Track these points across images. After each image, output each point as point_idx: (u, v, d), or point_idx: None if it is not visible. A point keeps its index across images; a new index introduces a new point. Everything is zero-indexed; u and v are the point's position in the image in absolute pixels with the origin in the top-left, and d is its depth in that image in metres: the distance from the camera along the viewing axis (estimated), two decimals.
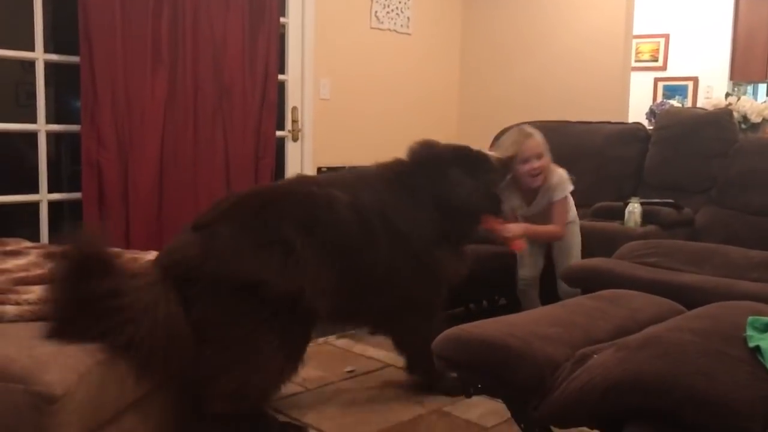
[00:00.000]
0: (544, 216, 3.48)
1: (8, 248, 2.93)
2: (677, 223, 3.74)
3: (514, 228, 3.27)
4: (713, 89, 7.00)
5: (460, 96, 5.81)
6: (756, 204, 3.80)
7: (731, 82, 7.25)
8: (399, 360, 3.04)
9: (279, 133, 4.51)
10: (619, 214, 3.66)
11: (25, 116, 3.62)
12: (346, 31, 4.95)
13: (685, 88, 7.35)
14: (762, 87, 7.71)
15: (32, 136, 3.59)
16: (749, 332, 1.64)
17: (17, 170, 3.87)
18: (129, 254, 2.92)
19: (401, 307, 2.77)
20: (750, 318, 1.71)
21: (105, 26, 3.53)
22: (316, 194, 2.58)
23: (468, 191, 2.90)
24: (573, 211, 3.55)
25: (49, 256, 2.83)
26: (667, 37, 7.47)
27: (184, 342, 2.19)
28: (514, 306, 3.63)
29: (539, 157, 3.39)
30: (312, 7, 4.68)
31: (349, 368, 3.20)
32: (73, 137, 3.68)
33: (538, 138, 3.43)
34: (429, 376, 2.88)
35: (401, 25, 5.30)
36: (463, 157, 3.03)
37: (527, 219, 3.46)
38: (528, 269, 3.56)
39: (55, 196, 3.68)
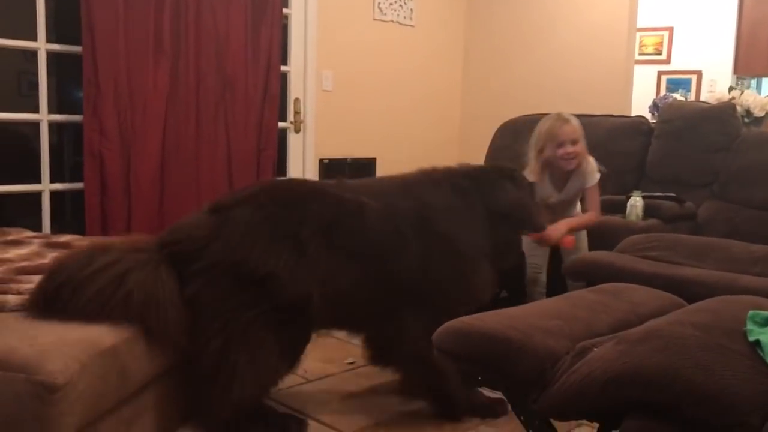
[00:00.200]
0: (571, 203, 3.55)
1: (10, 238, 2.94)
2: (679, 217, 3.74)
3: (559, 229, 3.30)
4: (717, 83, 6.98)
5: (463, 88, 5.80)
6: (758, 198, 3.80)
7: (735, 75, 7.22)
8: None
9: (281, 125, 4.51)
10: (621, 208, 3.66)
11: (28, 106, 3.62)
12: (348, 22, 4.94)
13: (689, 81, 7.33)
14: (766, 81, 7.68)
15: (34, 126, 3.59)
16: (749, 326, 1.64)
17: (19, 160, 3.87)
18: None
19: (420, 317, 2.56)
20: (750, 312, 1.71)
21: (107, 16, 3.53)
22: (346, 199, 2.54)
23: (518, 199, 2.90)
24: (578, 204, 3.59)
25: (50, 245, 2.84)
26: (670, 30, 7.45)
27: (174, 314, 2.19)
28: (516, 299, 3.64)
29: (574, 142, 3.42)
30: None
31: (349, 360, 3.20)
32: (76, 127, 3.69)
33: (574, 124, 3.46)
34: (450, 398, 2.67)
35: (404, 17, 5.29)
36: (506, 170, 3.01)
37: (556, 206, 3.48)
38: (539, 257, 3.56)
39: (57, 186, 3.69)
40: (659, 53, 7.51)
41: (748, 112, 5.05)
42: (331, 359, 3.16)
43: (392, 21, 5.21)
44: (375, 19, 5.10)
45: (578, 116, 4.53)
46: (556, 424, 1.77)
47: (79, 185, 3.62)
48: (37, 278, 2.29)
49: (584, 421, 2.29)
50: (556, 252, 3.54)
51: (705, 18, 7.25)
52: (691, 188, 4.01)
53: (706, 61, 7.26)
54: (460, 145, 5.75)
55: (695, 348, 1.50)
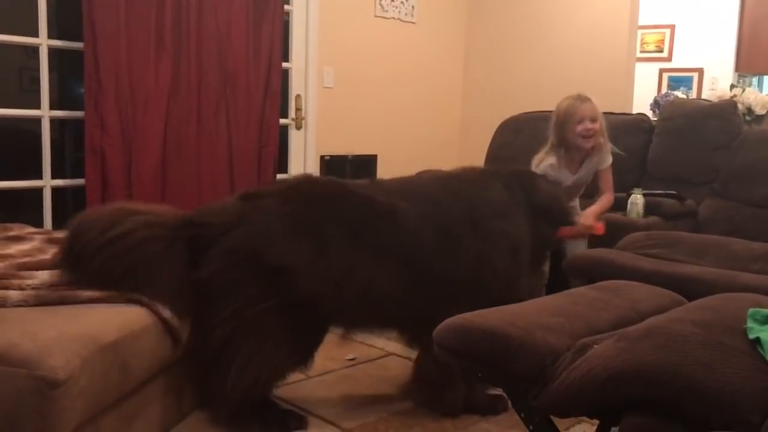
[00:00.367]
0: (584, 185, 3.58)
1: (12, 233, 2.95)
2: (680, 214, 3.74)
3: (589, 218, 3.36)
4: (718, 81, 6.97)
5: (464, 85, 5.80)
6: (759, 196, 3.79)
7: (736, 73, 7.22)
8: (400, 348, 3.04)
9: (282, 121, 4.51)
10: (622, 205, 3.66)
11: (29, 102, 3.62)
12: (350, 19, 4.94)
13: (690, 79, 7.32)
14: (767, 79, 7.67)
15: (36, 121, 3.59)
16: (749, 324, 1.64)
17: (21, 156, 3.88)
18: None
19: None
20: (750, 310, 1.71)
21: (109, 12, 3.53)
22: (378, 201, 2.54)
23: (556, 196, 2.99)
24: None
25: (52, 241, 2.85)
26: (672, 27, 7.44)
27: (176, 293, 2.24)
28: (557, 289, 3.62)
29: (593, 120, 3.45)
30: None
31: (350, 356, 3.21)
32: (77, 123, 3.69)
33: (594, 102, 3.50)
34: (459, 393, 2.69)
35: (406, 14, 5.28)
36: (538, 174, 3.13)
37: (570, 188, 3.50)
38: (581, 245, 3.52)
39: (59, 182, 3.69)
40: (661, 51, 7.50)
41: (749, 110, 5.04)
42: (332, 356, 3.16)
43: (394, 18, 5.21)
44: (376, 16, 5.10)
45: None
46: (557, 420, 1.78)
47: (80, 181, 3.63)
48: (38, 274, 2.30)
49: (584, 418, 2.30)
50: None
51: (707, 16, 7.24)
52: (692, 186, 4.01)
53: (707, 58, 7.25)
54: (461, 142, 5.75)
55: (695, 345, 1.50)
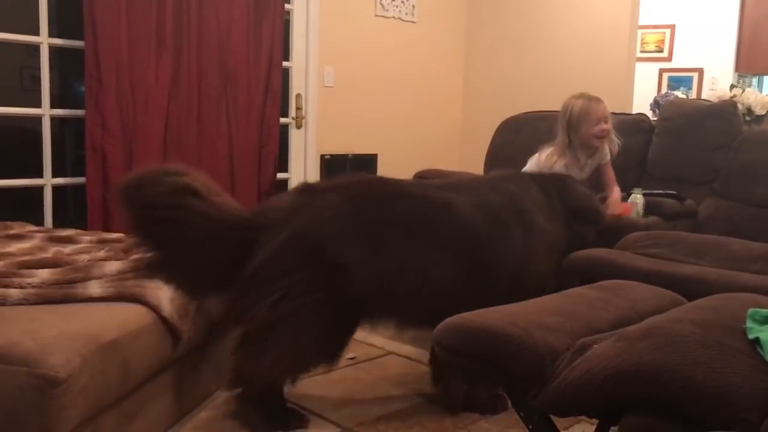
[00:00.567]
0: (588, 180, 3.63)
1: (12, 232, 2.95)
2: (680, 214, 3.74)
3: (617, 206, 3.51)
4: (718, 81, 6.98)
5: (464, 85, 5.80)
6: (759, 196, 3.79)
7: (736, 73, 7.22)
8: (400, 348, 3.05)
9: (282, 120, 4.51)
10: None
11: (30, 100, 3.62)
12: (350, 19, 4.94)
13: (690, 79, 7.32)
14: (767, 79, 7.67)
15: (36, 120, 3.60)
16: (749, 324, 1.64)
17: (21, 154, 3.88)
18: (132, 239, 2.94)
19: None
20: (750, 310, 1.72)
21: (109, 11, 3.53)
22: (432, 197, 2.59)
23: (589, 197, 3.11)
24: None
25: (52, 239, 2.85)
26: (672, 27, 7.45)
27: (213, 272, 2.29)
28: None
29: (607, 120, 3.54)
30: None
31: (350, 355, 3.21)
32: (78, 122, 3.69)
33: (605, 103, 3.59)
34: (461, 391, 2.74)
35: (406, 13, 5.28)
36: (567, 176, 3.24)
37: None
38: None
39: (59, 180, 3.70)
40: (661, 51, 7.51)
41: (749, 111, 5.04)
42: None
43: (394, 17, 5.21)
44: (377, 16, 5.10)
45: None
46: (556, 420, 1.78)
47: (80, 180, 3.63)
48: (39, 272, 2.30)
49: (583, 418, 2.30)
50: None
51: (707, 16, 7.24)
52: (692, 186, 4.01)
53: (707, 59, 7.26)
54: (461, 141, 5.75)
55: (695, 345, 1.50)
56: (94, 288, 2.21)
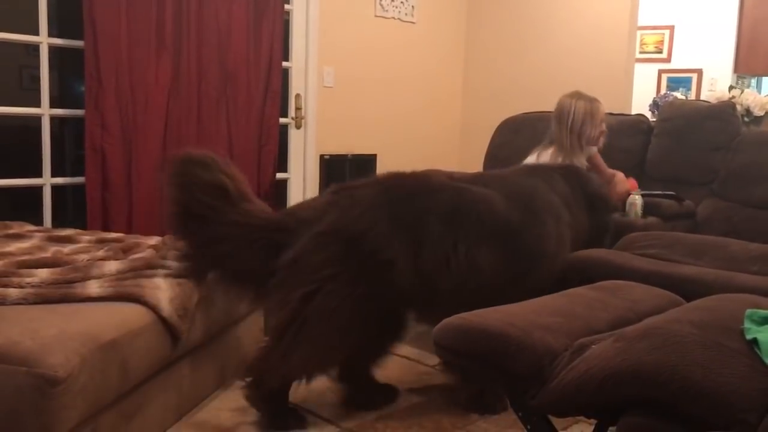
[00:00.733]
0: None
1: (11, 231, 2.95)
2: (678, 215, 3.75)
3: (623, 181, 3.62)
4: (717, 82, 6.98)
5: (464, 85, 5.81)
6: (757, 197, 3.80)
7: (735, 75, 7.22)
8: (399, 348, 3.04)
9: (282, 121, 4.51)
10: (620, 206, 3.66)
11: (29, 100, 3.62)
12: (350, 19, 4.94)
13: (689, 80, 7.32)
14: (766, 80, 7.67)
15: (36, 119, 3.60)
16: (747, 325, 1.65)
17: (21, 154, 3.88)
18: (131, 239, 2.94)
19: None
20: (748, 311, 1.72)
21: (109, 11, 3.53)
22: (466, 189, 2.61)
23: (603, 186, 3.25)
24: None
25: (51, 239, 2.85)
26: (671, 28, 7.45)
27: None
28: None
29: (604, 119, 3.66)
30: None
31: None
32: (77, 122, 3.69)
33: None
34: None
35: (406, 14, 5.28)
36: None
37: None
38: None
39: (59, 180, 3.69)
40: (660, 52, 7.51)
41: (748, 112, 5.04)
42: None
43: (394, 18, 5.21)
44: (376, 16, 5.10)
45: None
46: (554, 420, 1.78)
47: (80, 179, 3.63)
48: (38, 272, 2.30)
49: (582, 418, 2.30)
50: None
51: (706, 17, 7.24)
52: (691, 187, 4.01)
53: (706, 59, 7.26)
54: (461, 141, 5.75)
55: (693, 346, 1.51)
56: (93, 288, 2.22)
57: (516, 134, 4.49)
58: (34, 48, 3.57)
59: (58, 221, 3.66)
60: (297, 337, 2.27)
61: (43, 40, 3.55)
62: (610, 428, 1.71)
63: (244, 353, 3.01)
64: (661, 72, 7.49)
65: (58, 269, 2.35)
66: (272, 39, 4.25)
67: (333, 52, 4.83)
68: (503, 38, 5.57)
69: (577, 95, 3.68)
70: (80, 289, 2.19)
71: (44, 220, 3.62)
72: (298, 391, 2.76)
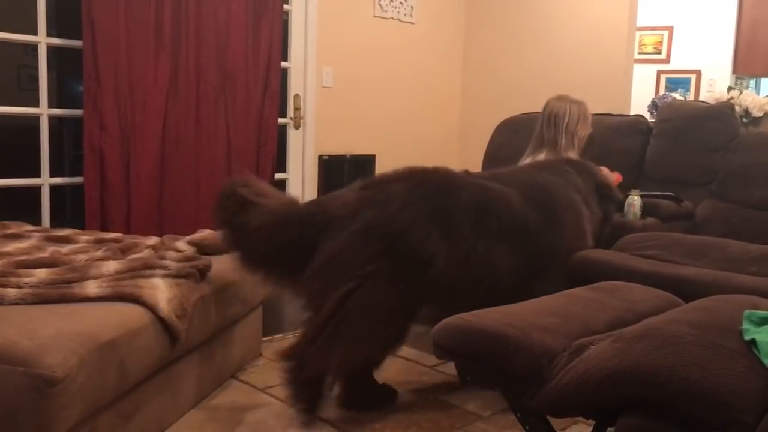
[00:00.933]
0: None
1: (9, 231, 2.95)
2: (677, 215, 3.74)
3: (608, 174, 3.59)
4: (716, 83, 6.98)
5: (462, 85, 5.81)
6: (756, 198, 3.80)
7: (734, 75, 7.23)
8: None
9: (281, 121, 4.51)
10: (619, 206, 3.66)
11: (28, 100, 3.62)
12: (349, 19, 4.94)
13: (688, 81, 7.33)
14: (764, 81, 7.68)
15: (34, 119, 3.59)
16: (745, 326, 1.65)
17: (19, 154, 3.88)
18: (130, 239, 2.94)
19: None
20: (746, 311, 1.72)
21: (108, 11, 3.53)
22: (490, 187, 2.63)
23: (606, 177, 3.28)
24: None
25: (50, 239, 2.85)
26: (670, 29, 7.45)
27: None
28: None
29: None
30: None
31: None
32: (76, 122, 3.69)
33: None
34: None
35: (405, 14, 5.29)
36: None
37: None
38: None
39: (57, 180, 3.69)
40: (659, 52, 7.51)
41: (746, 112, 5.04)
42: None
43: (392, 18, 5.21)
44: (375, 16, 5.10)
45: None
46: (553, 421, 1.78)
47: (78, 179, 3.63)
48: (36, 272, 2.30)
49: (580, 419, 2.30)
50: None
51: (705, 18, 7.25)
52: (689, 187, 4.01)
53: (705, 60, 7.26)
54: (460, 142, 5.75)
55: (691, 346, 1.51)
56: (92, 288, 2.21)
57: (515, 134, 4.48)
58: (33, 48, 3.57)
59: (57, 221, 3.66)
60: (336, 332, 2.28)
61: (42, 39, 3.55)
62: (609, 429, 1.71)
63: (243, 353, 3.01)
64: (659, 73, 7.49)
65: (56, 269, 2.35)
66: (271, 39, 4.25)
67: (332, 52, 4.83)
68: (502, 39, 5.57)
69: (567, 98, 3.75)
70: (78, 289, 2.19)
71: (42, 220, 3.62)
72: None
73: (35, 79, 3.57)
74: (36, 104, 3.57)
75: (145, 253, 2.67)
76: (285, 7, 4.43)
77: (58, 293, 2.13)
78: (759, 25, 7.10)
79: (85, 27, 3.49)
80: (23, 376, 1.70)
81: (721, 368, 1.45)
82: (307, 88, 4.73)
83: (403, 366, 3.13)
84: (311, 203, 2.54)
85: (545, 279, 2.64)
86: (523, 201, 2.68)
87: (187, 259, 2.61)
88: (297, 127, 4.72)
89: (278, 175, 4.51)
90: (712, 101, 4.74)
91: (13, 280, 2.20)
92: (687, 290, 2.36)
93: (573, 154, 3.60)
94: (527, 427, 1.76)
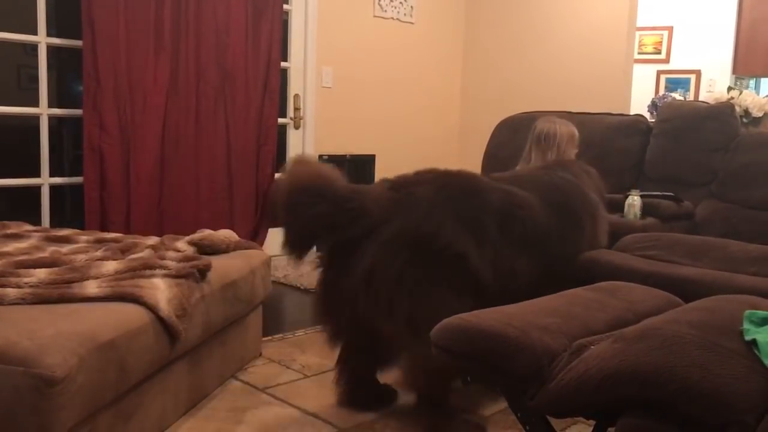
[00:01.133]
0: None
1: (9, 231, 2.94)
2: (677, 216, 3.75)
3: None
4: (716, 83, 6.99)
5: (462, 85, 5.81)
6: (756, 198, 3.80)
7: (734, 75, 7.24)
8: None
9: (281, 121, 4.51)
10: (619, 207, 3.67)
11: (28, 100, 3.62)
12: (349, 19, 4.95)
13: (688, 81, 7.33)
14: (764, 81, 7.69)
15: (34, 119, 3.59)
16: (745, 326, 1.65)
17: (19, 154, 3.88)
18: (130, 239, 2.94)
19: None
20: (747, 312, 1.72)
21: (108, 11, 3.53)
22: (513, 192, 2.63)
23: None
24: None
25: (49, 239, 2.84)
26: (670, 29, 7.45)
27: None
28: None
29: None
30: None
31: None
32: (75, 121, 3.69)
33: None
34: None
35: (405, 14, 5.29)
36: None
37: None
38: None
39: (57, 180, 3.69)
40: (658, 53, 7.52)
41: (746, 112, 5.05)
42: (329, 355, 3.16)
43: (392, 18, 5.21)
44: (375, 16, 5.10)
45: (577, 114, 4.58)
46: (553, 421, 1.78)
47: (78, 179, 3.63)
48: (36, 272, 2.30)
49: (581, 419, 2.30)
50: None
51: (704, 18, 7.25)
52: (689, 187, 4.01)
53: (705, 60, 7.27)
54: (460, 141, 5.75)
55: (691, 347, 1.51)
56: (92, 288, 2.21)
57: (515, 134, 4.49)
58: (33, 47, 3.57)
59: (56, 221, 3.66)
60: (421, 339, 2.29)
61: (42, 39, 3.55)
62: (609, 429, 1.71)
63: (243, 353, 3.01)
64: (659, 73, 7.50)
65: (56, 269, 2.35)
66: (271, 39, 4.25)
67: (332, 52, 4.83)
68: (502, 39, 5.57)
69: (554, 120, 3.74)
70: (78, 289, 2.19)
71: (42, 219, 3.62)
72: (296, 391, 2.76)
73: (35, 79, 3.57)
74: (36, 104, 3.57)
75: (145, 253, 2.67)
76: (285, 7, 4.44)
77: (58, 293, 2.13)
78: (759, 25, 7.10)
79: (85, 27, 3.49)
80: (23, 376, 1.70)
81: (721, 368, 1.44)
82: (307, 88, 4.73)
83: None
84: (349, 188, 2.49)
85: (561, 283, 2.62)
86: (544, 207, 2.68)
87: (187, 259, 2.60)
88: (297, 127, 4.72)
89: (278, 176, 4.51)
90: (712, 101, 4.74)
91: (13, 280, 2.19)
92: (687, 290, 2.36)
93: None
94: (527, 427, 1.76)
